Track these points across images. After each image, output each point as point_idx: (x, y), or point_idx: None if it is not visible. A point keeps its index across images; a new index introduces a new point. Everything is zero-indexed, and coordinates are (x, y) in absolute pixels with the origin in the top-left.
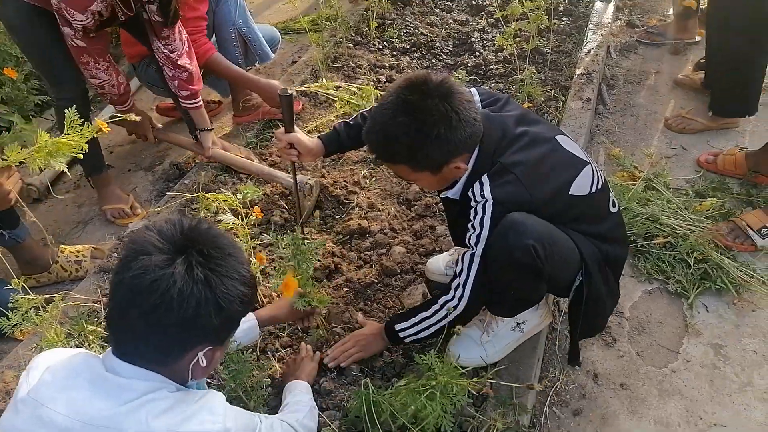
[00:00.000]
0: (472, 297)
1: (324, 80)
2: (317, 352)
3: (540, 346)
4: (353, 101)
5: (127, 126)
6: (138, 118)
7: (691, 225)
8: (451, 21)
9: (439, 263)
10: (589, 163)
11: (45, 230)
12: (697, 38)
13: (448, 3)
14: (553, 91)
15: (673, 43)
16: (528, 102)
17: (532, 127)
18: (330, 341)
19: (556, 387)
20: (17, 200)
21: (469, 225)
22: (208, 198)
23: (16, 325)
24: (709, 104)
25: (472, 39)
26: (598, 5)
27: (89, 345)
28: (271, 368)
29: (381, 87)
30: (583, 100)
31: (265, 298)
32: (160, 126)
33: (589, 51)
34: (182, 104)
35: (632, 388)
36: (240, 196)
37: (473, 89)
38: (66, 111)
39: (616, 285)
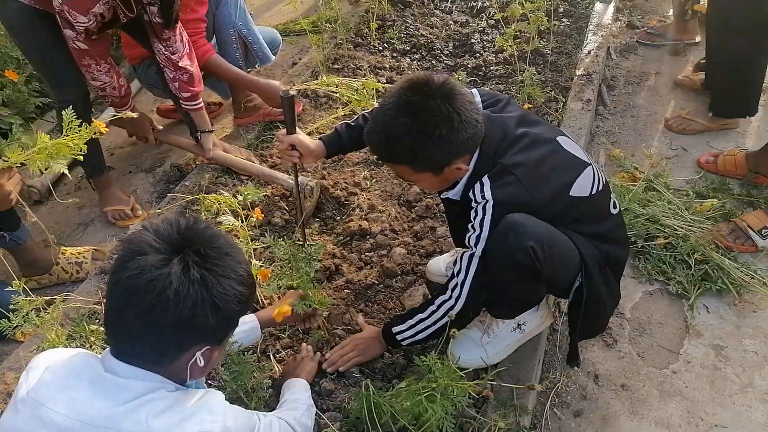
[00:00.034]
0: (470, 297)
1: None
2: (317, 353)
3: (541, 347)
4: (355, 97)
5: (128, 128)
6: (135, 115)
7: (691, 226)
8: (451, 22)
9: (439, 264)
10: (590, 164)
11: (47, 231)
12: (697, 39)
13: (449, 4)
14: (553, 92)
15: (673, 44)
16: (528, 103)
17: (532, 128)
18: (331, 342)
19: (557, 388)
20: (18, 201)
21: (470, 225)
22: (209, 199)
23: (17, 326)
24: (709, 105)
25: (473, 40)
26: (598, 6)
27: (90, 346)
28: (271, 370)
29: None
30: (583, 101)
31: (266, 299)
32: (161, 128)
33: (589, 52)
34: (183, 106)
35: (633, 389)
36: (240, 198)
37: (475, 90)
38: (63, 113)
39: (617, 286)
